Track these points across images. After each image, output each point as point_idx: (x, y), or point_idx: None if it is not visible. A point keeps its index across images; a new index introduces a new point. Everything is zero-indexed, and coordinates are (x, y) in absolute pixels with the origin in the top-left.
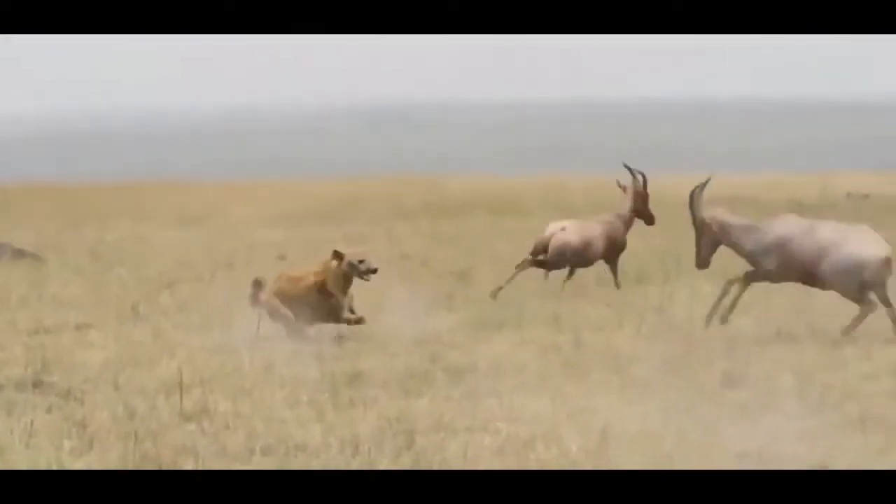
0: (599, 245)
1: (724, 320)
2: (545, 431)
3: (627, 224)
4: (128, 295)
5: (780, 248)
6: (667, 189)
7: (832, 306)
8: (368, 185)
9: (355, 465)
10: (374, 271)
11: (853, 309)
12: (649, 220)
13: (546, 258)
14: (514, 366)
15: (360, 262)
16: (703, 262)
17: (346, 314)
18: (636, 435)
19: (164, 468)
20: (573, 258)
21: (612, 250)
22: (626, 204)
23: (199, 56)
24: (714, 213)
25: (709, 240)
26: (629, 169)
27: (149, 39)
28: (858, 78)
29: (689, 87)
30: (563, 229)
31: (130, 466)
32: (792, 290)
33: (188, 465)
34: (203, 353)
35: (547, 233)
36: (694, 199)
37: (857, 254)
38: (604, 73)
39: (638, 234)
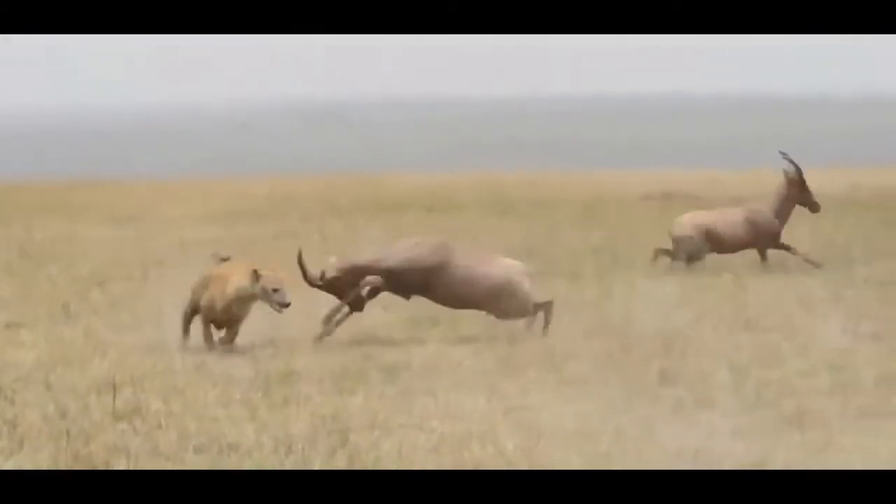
0: (739, 232)
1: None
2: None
3: (780, 212)
4: (58, 293)
5: None
6: (605, 185)
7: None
8: (302, 183)
9: (289, 464)
10: (287, 305)
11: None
12: (813, 207)
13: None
14: (449, 363)
15: (275, 290)
16: None
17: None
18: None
19: (96, 468)
20: (701, 246)
21: (759, 238)
22: (781, 192)
23: (133, 54)
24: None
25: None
26: (786, 158)
27: (81, 38)
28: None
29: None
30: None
31: (62, 466)
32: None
33: (120, 464)
34: (135, 352)
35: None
36: None
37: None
38: (548, 69)
39: (573, 229)
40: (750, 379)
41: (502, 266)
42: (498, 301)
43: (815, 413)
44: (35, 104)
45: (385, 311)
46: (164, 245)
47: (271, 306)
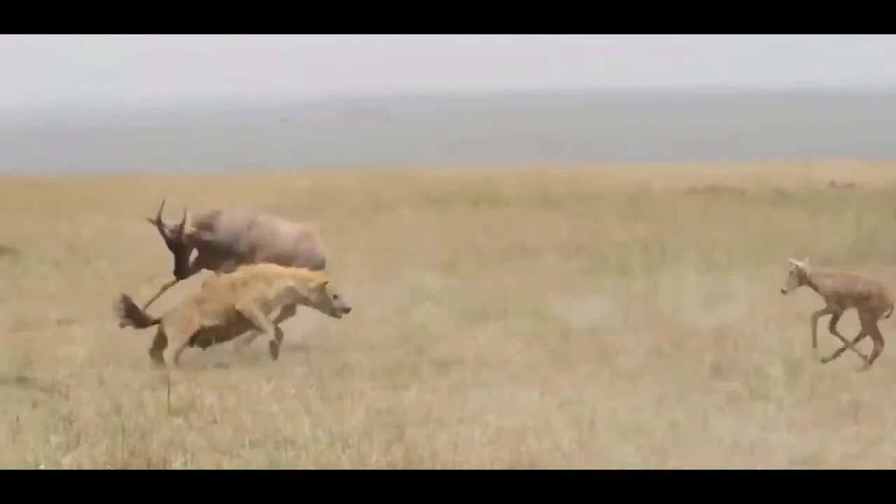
0: None
1: None
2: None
3: None
4: (107, 289)
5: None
6: (650, 178)
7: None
8: (345, 177)
9: (345, 458)
10: (349, 310)
11: None
12: None
13: None
14: (501, 358)
15: (335, 296)
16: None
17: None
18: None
19: (153, 462)
20: None
21: None
22: None
23: (178, 50)
24: None
25: None
26: None
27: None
28: (845, 67)
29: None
30: None
31: (119, 462)
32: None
33: (177, 459)
34: (187, 348)
35: None
36: None
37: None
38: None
39: (620, 224)
40: (804, 372)
41: (298, 224)
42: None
43: (870, 406)
44: (85, 97)
45: (436, 305)
46: None
47: (331, 312)
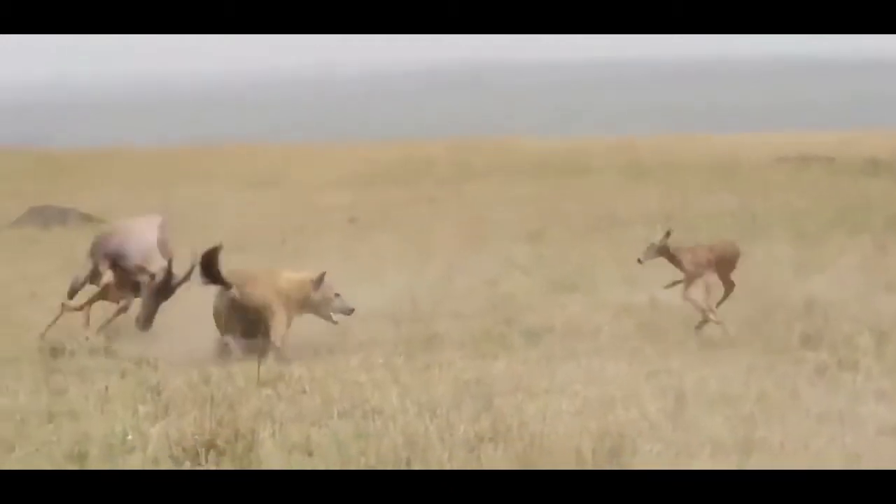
0: None
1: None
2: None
3: None
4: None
5: None
6: (739, 148)
7: None
8: (434, 147)
9: (433, 427)
10: (351, 312)
11: None
12: None
13: None
14: (590, 328)
15: (337, 295)
16: None
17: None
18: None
19: (241, 433)
20: None
21: None
22: None
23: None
24: None
25: None
26: None
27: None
28: None
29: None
30: None
31: (207, 432)
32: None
33: (266, 430)
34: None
35: None
36: None
37: None
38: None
39: (709, 194)
40: (892, 342)
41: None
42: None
43: None
44: (175, 69)
45: (525, 275)
46: (300, 210)
47: (325, 317)
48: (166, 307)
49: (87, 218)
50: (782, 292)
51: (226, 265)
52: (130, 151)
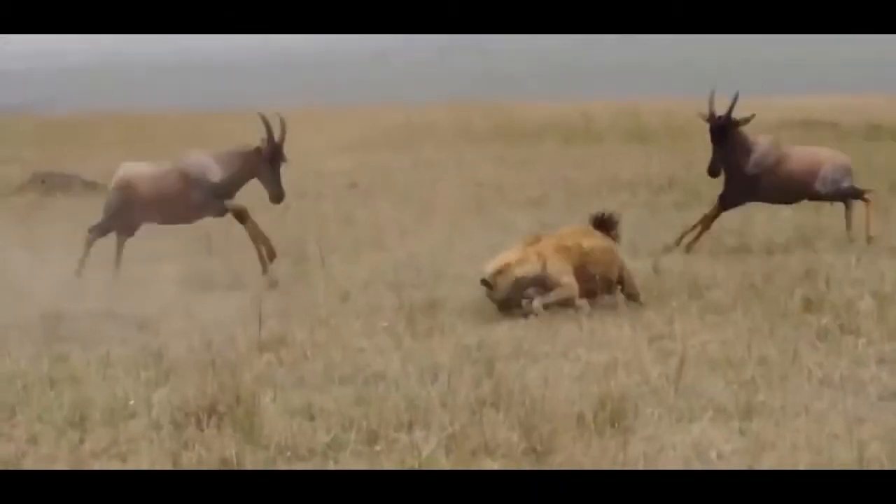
0: None
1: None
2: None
3: None
4: (199, 225)
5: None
6: (742, 111)
7: None
8: (436, 112)
9: (434, 392)
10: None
11: None
12: None
13: None
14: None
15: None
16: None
17: None
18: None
19: (242, 398)
20: None
21: None
22: None
23: None
24: None
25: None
26: None
27: None
28: None
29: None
30: None
31: (208, 397)
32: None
33: (267, 395)
34: (278, 284)
35: None
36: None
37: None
38: None
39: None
40: (895, 306)
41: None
42: None
43: None
44: (176, 37)
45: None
46: (302, 175)
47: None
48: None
49: (91, 185)
50: (784, 256)
51: (228, 231)
52: (132, 117)
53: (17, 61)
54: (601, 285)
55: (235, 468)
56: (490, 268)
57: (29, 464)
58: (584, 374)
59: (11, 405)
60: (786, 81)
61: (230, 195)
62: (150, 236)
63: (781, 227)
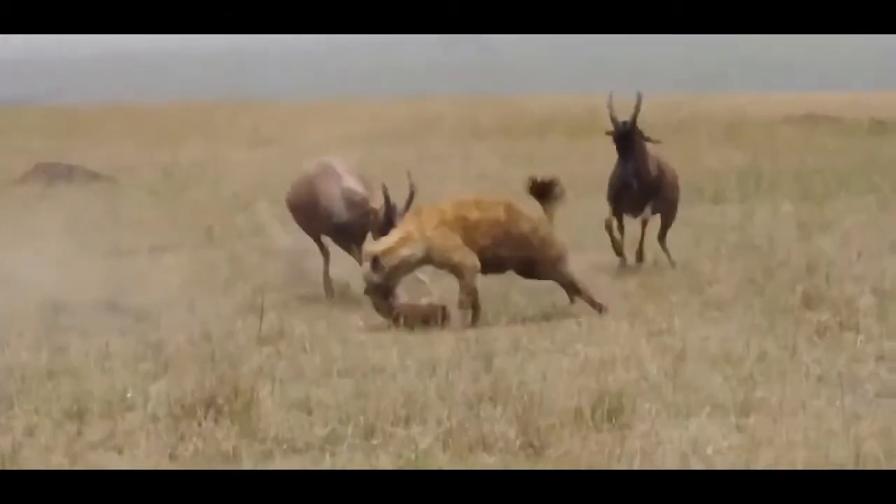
0: None
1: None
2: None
3: None
4: (203, 217)
5: None
6: (746, 106)
7: None
8: (442, 105)
9: (432, 386)
10: None
11: None
12: None
13: None
14: (592, 288)
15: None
16: None
17: None
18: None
19: (241, 391)
20: None
21: None
22: None
23: None
24: None
25: None
26: None
27: None
28: None
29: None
30: None
31: (207, 390)
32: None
33: (266, 388)
34: (279, 276)
35: None
36: None
37: None
38: None
39: (715, 153)
40: (895, 303)
41: None
42: None
43: None
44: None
45: None
46: None
47: None
48: None
49: (94, 175)
50: (785, 252)
51: (231, 221)
52: (138, 108)
53: (25, 52)
54: (521, 270)
55: (232, 461)
56: (378, 247)
57: (26, 455)
58: (582, 369)
59: (10, 396)
60: (788, 78)
61: None
62: (151, 231)
63: (785, 224)
